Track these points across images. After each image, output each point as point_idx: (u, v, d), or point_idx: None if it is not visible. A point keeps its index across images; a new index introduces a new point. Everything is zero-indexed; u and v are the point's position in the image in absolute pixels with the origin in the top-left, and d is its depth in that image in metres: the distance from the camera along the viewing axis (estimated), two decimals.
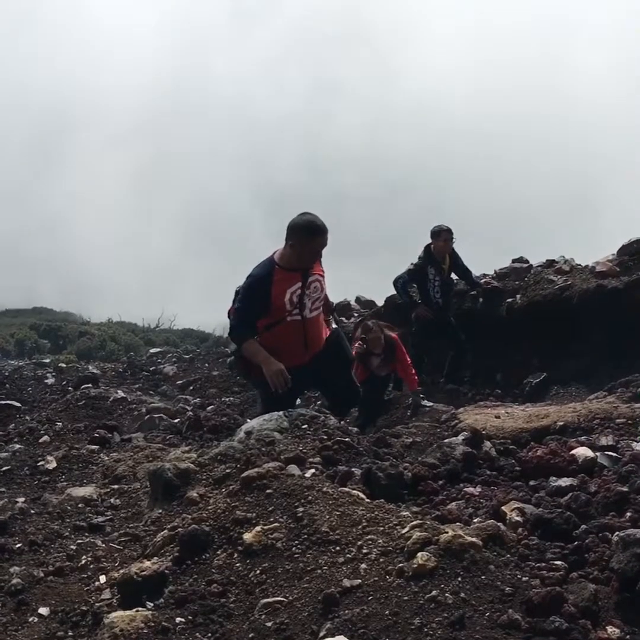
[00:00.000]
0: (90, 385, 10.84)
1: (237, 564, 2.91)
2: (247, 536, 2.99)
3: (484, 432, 5.19)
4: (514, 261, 12.68)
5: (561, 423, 5.83)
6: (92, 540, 3.68)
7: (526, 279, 12.00)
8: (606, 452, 4.36)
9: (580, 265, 12.03)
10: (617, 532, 2.84)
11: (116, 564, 3.36)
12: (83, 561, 3.46)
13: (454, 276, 11.29)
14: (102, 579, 3.22)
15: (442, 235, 10.68)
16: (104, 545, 3.59)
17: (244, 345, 5.66)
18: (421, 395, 9.38)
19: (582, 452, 4.25)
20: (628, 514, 3.28)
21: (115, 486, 4.54)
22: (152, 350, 17.29)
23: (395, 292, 11.56)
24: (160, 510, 3.61)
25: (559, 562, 2.86)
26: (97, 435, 6.50)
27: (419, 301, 10.83)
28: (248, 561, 2.91)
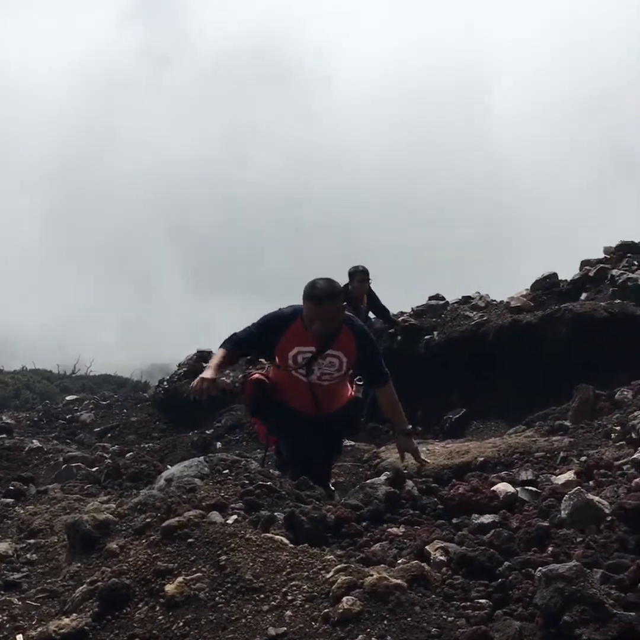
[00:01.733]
0: (4, 435, 10.59)
1: (160, 617, 2.84)
2: (169, 587, 2.92)
3: (405, 470, 5.20)
4: (430, 298, 12.83)
5: (482, 459, 5.89)
6: (7, 597, 3.55)
7: (443, 315, 12.15)
8: (526, 487, 4.41)
9: (495, 300, 12.24)
10: (539, 568, 2.86)
11: (34, 622, 3.24)
12: None
13: (371, 315, 11.39)
14: (19, 638, 3.10)
15: (357, 276, 10.78)
16: (20, 602, 3.46)
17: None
18: None
19: (503, 487, 4.28)
20: (550, 548, 3.31)
21: (32, 540, 4.39)
22: (69, 398, 16.93)
23: None
24: (78, 564, 3.51)
25: (483, 601, 2.86)
26: (12, 487, 6.32)
27: None
28: (170, 613, 2.84)
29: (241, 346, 5.62)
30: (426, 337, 11.72)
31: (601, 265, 12.00)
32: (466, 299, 12.57)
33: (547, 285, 12.20)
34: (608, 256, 12.39)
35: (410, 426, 5.66)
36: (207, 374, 5.36)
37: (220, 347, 5.62)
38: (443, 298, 12.83)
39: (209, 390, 5.29)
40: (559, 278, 12.37)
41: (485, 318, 11.33)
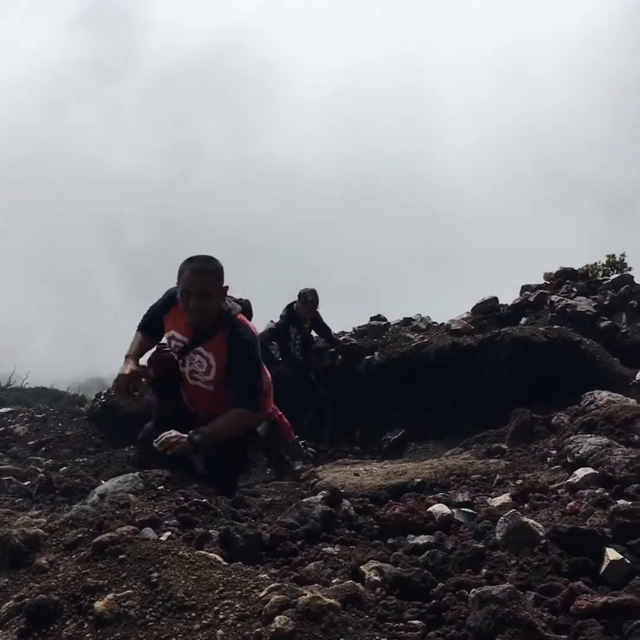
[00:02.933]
0: None
1: (88, 634, 2.77)
2: (99, 604, 2.85)
3: (342, 490, 5.19)
4: (372, 319, 12.92)
5: (419, 480, 5.88)
6: None
7: (384, 336, 12.22)
8: (462, 509, 4.42)
9: (436, 323, 12.37)
10: (473, 589, 2.86)
11: None
12: None
13: (313, 333, 11.44)
14: None
15: (308, 298, 10.90)
16: None
17: None
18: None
19: (439, 508, 4.29)
20: (484, 570, 3.32)
21: None
22: (2, 410, 16.62)
23: None
24: (6, 580, 3.42)
25: (416, 622, 2.85)
26: None
27: (279, 359, 10.87)
28: (99, 631, 2.77)
29: (150, 322, 5.39)
30: (367, 357, 11.77)
31: (541, 290, 12.20)
32: (407, 321, 12.67)
33: (487, 309, 12.35)
34: (548, 282, 12.60)
35: (199, 437, 4.77)
36: (126, 368, 5.22)
37: (137, 330, 5.46)
38: (384, 319, 12.92)
39: (126, 387, 5.17)
40: (500, 302, 12.55)
41: (426, 340, 11.42)
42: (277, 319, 11.42)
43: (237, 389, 5.01)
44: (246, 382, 5.02)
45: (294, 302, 11.04)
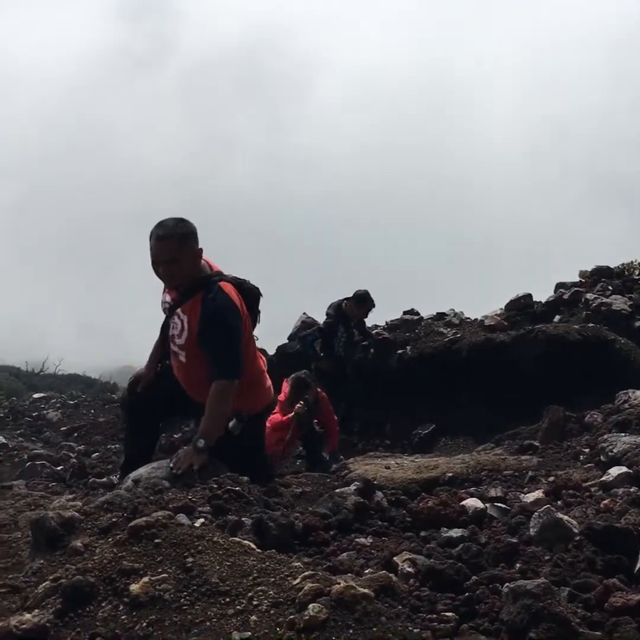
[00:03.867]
0: None
1: (123, 616, 2.80)
2: (134, 587, 2.88)
3: (374, 482, 5.19)
4: (404, 313, 12.89)
5: (450, 474, 5.88)
6: None
7: (417, 331, 12.20)
8: (495, 503, 4.41)
9: (469, 318, 12.32)
10: (507, 584, 2.85)
11: None
12: None
13: None
14: None
15: (366, 306, 10.95)
16: None
17: None
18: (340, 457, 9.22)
19: (472, 503, 4.28)
20: (518, 565, 3.30)
21: None
22: (36, 396, 16.77)
23: (288, 341, 11.67)
24: (42, 561, 3.46)
25: (449, 614, 2.84)
26: None
27: (321, 354, 10.91)
28: (134, 613, 2.80)
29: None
30: (399, 351, 11.76)
31: (576, 288, 12.12)
32: (441, 316, 12.64)
33: (521, 306, 12.28)
34: (583, 280, 12.51)
35: (204, 442, 4.69)
36: (143, 369, 5.33)
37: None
38: (418, 313, 12.89)
39: (136, 386, 5.26)
40: (534, 299, 12.47)
41: (458, 335, 11.39)
42: (308, 312, 11.44)
43: (212, 357, 4.88)
44: (219, 347, 4.87)
45: (343, 301, 11.04)
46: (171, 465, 4.60)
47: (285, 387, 8.89)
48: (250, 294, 5.20)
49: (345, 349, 10.93)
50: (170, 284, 4.97)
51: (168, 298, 5.09)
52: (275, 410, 8.27)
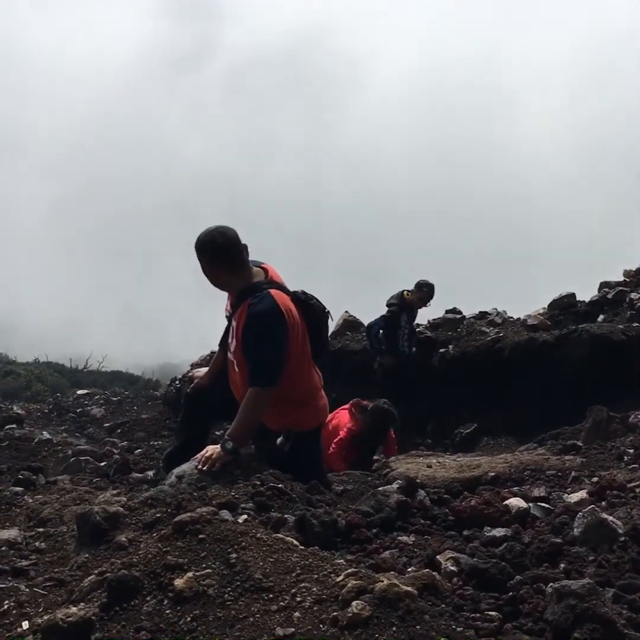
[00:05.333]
0: (14, 425, 10.61)
1: (167, 611, 2.82)
2: (178, 582, 2.90)
3: (417, 481, 5.17)
4: (447, 312, 12.87)
5: (493, 474, 5.84)
6: (15, 584, 3.55)
7: (459, 329, 12.18)
8: (539, 503, 4.38)
9: (512, 317, 12.26)
10: (551, 583, 2.83)
11: (40, 610, 3.24)
12: (5, 606, 3.33)
13: None
14: (25, 625, 3.09)
15: (429, 295, 11.00)
16: (27, 590, 3.46)
17: None
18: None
19: (516, 502, 4.25)
20: (562, 565, 3.28)
21: (41, 529, 4.40)
22: (79, 392, 16.98)
23: (330, 339, 11.68)
24: (87, 555, 3.51)
25: (493, 613, 2.83)
26: (22, 476, 6.33)
27: (384, 347, 10.94)
28: (178, 608, 2.82)
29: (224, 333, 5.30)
30: (441, 350, 11.74)
31: (620, 288, 12.00)
32: (483, 315, 12.60)
33: (564, 305, 12.21)
34: (627, 279, 12.39)
35: (232, 445, 4.59)
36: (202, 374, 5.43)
37: None
38: (460, 312, 12.86)
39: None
40: (577, 299, 12.37)
41: (501, 334, 11.34)
42: (350, 311, 11.48)
43: (249, 362, 4.82)
44: (255, 352, 4.79)
45: (404, 290, 11.06)
46: (197, 460, 4.58)
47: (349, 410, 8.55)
48: (313, 310, 5.11)
49: (409, 343, 10.93)
50: (222, 290, 5.03)
51: (229, 306, 5.12)
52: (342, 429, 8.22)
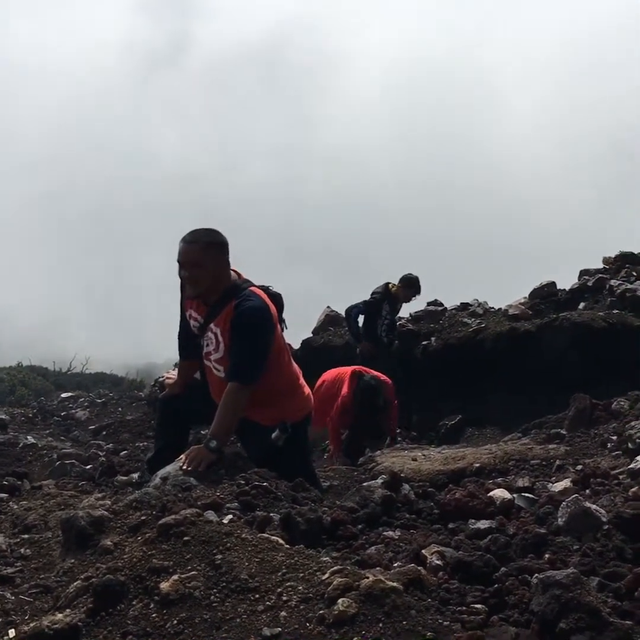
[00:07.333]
0: None
1: (154, 615, 2.82)
2: (164, 585, 2.90)
3: (401, 475, 5.19)
4: (428, 304, 12.88)
5: (477, 465, 5.88)
6: (0, 592, 3.54)
7: (441, 321, 12.20)
8: (523, 494, 4.40)
9: (493, 308, 12.30)
10: (536, 574, 2.84)
11: (26, 617, 3.22)
12: None
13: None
14: (11, 632, 3.08)
15: (413, 290, 10.98)
16: (13, 597, 3.44)
17: None
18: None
19: (500, 493, 4.27)
20: (547, 555, 3.29)
21: (26, 536, 4.37)
22: (64, 395, 16.89)
23: (312, 335, 11.68)
24: (73, 560, 3.49)
25: (479, 606, 2.84)
26: (6, 482, 6.29)
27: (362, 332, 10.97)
28: (165, 611, 2.82)
29: (182, 342, 5.32)
30: (424, 342, 11.75)
31: (600, 275, 12.05)
32: (464, 306, 12.63)
33: (545, 294, 12.24)
34: (607, 266, 12.44)
35: (215, 443, 4.59)
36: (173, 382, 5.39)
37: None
38: (441, 304, 12.88)
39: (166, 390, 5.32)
40: (558, 287, 12.42)
41: (483, 325, 11.37)
42: (331, 306, 11.50)
43: (232, 359, 4.80)
44: (241, 347, 4.77)
45: (390, 282, 11.06)
46: (182, 462, 4.57)
47: (339, 376, 8.92)
48: (275, 300, 5.10)
49: (388, 334, 10.93)
50: (194, 291, 4.87)
51: (194, 314, 5.04)
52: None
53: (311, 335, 12.72)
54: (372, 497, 4.15)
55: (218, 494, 3.95)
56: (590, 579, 2.97)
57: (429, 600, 2.83)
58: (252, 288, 4.91)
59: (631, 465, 4.80)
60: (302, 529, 3.55)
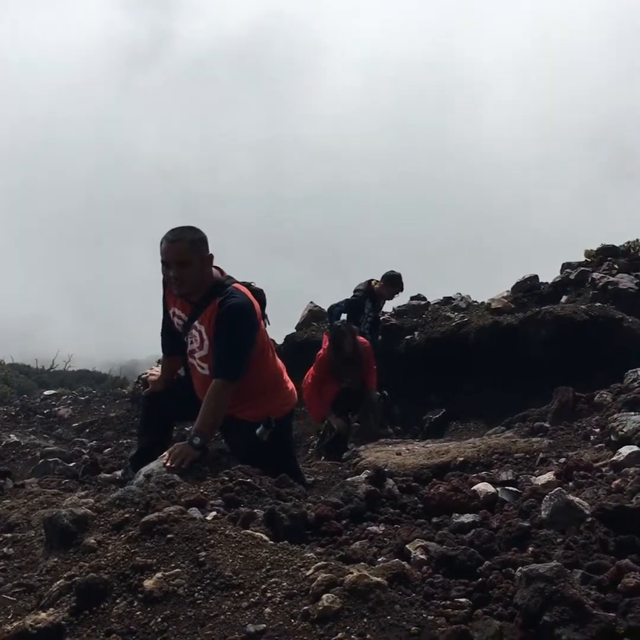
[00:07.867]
0: None
1: (138, 612, 2.81)
2: (148, 583, 2.89)
3: (386, 469, 5.19)
4: (411, 298, 12.90)
5: (461, 459, 5.88)
6: None
7: (424, 316, 12.22)
8: (506, 487, 4.41)
9: (476, 302, 12.32)
10: (520, 568, 2.85)
11: (9, 616, 3.20)
12: None
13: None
14: None
15: (396, 287, 10.96)
16: None
17: None
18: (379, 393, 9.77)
19: (483, 487, 4.28)
20: (530, 548, 3.30)
21: (8, 535, 4.34)
22: (47, 393, 16.79)
23: (295, 330, 11.68)
24: (56, 559, 3.47)
25: (463, 600, 2.85)
26: None
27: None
28: (149, 609, 2.81)
29: (165, 338, 5.30)
30: (407, 337, 11.77)
31: (582, 268, 12.09)
32: (447, 300, 12.65)
33: (528, 288, 12.28)
34: (589, 259, 12.48)
35: (199, 440, 4.60)
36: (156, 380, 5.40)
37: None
38: (424, 298, 12.90)
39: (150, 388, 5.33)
40: (540, 280, 12.46)
41: (466, 319, 11.39)
42: (314, 301, 11.48)
43: (217, 356, 4.80)
44: (226, 344, 4.77)
45: (372, 279, 11.04)
46: (165, 460, 4.56)
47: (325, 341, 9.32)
48: (257, 296, 5.09)
49: (371, 331, 10.92)
50: (180, 290, 4.83)
51: (178, 311, 5.02)
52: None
53: (294, 330, 12.71)
54: (356, 493, 4.14)
55: (202, 490, 3.94)
56: (574, 571, 2.98)
57: (414, 594, 2.84)
58: (236, 285, 4.91)
59: (614, 458, 4.82)
60: (286, 524, 3.54)
